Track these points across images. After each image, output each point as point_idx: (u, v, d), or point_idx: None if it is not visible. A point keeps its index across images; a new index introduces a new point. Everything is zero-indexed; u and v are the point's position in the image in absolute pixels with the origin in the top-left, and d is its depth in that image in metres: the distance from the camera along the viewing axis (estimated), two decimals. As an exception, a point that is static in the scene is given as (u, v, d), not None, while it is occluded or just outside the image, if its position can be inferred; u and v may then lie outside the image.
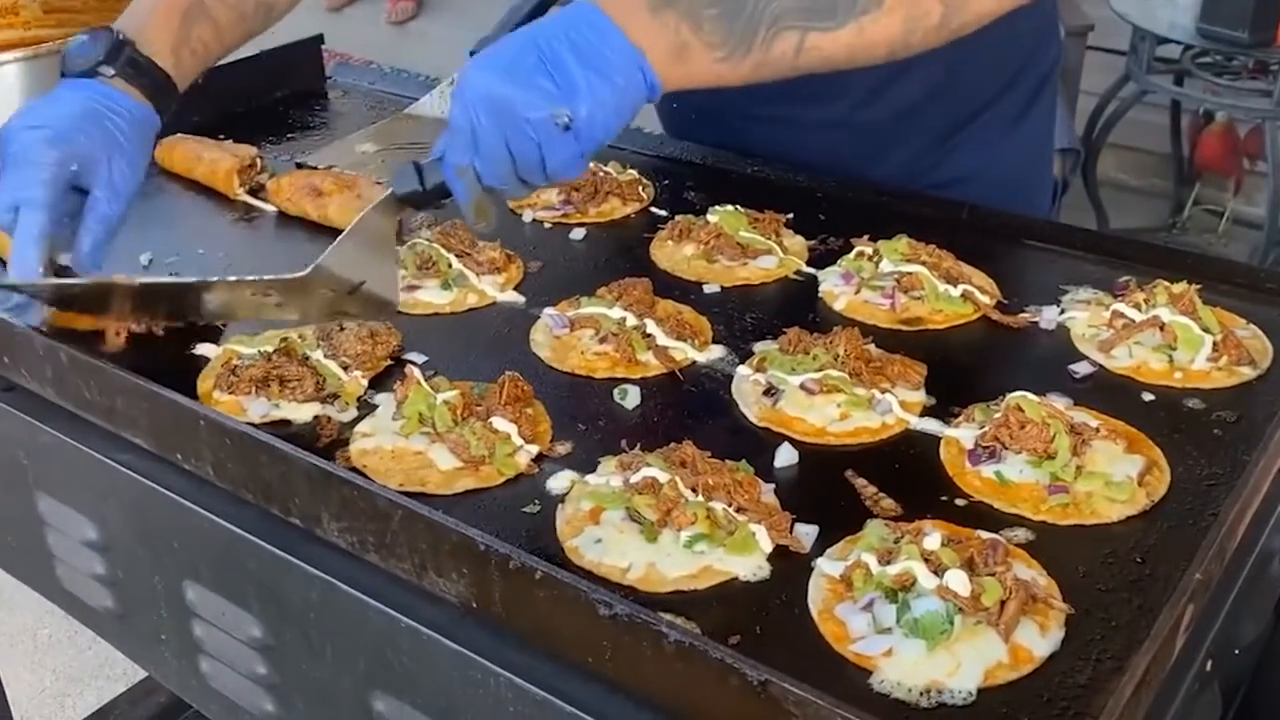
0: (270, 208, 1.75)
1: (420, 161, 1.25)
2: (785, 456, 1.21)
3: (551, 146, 1.18)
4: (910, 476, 1.18)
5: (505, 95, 1.16)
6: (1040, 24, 1.78)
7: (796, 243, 1.60)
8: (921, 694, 0.94)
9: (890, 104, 1.68)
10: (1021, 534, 1.10)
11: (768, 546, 1.07)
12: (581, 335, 1.39)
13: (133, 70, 1.45)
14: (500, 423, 1.21)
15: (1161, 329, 1.33)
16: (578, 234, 1.67)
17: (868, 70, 1.27)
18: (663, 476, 1.10)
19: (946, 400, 1.27)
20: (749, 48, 1.21)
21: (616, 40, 1.18)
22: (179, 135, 1.91)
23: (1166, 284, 1.37)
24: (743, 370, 1.33)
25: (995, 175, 1.75)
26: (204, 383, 1.33)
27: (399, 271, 1.42)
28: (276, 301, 1.34)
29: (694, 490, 1.10)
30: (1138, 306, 1.36)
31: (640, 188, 1.75)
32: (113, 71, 1.44)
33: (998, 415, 1.19)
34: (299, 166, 1.87)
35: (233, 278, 1.34)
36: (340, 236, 1.28)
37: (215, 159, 1.81)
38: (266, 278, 1.29)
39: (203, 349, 1.40)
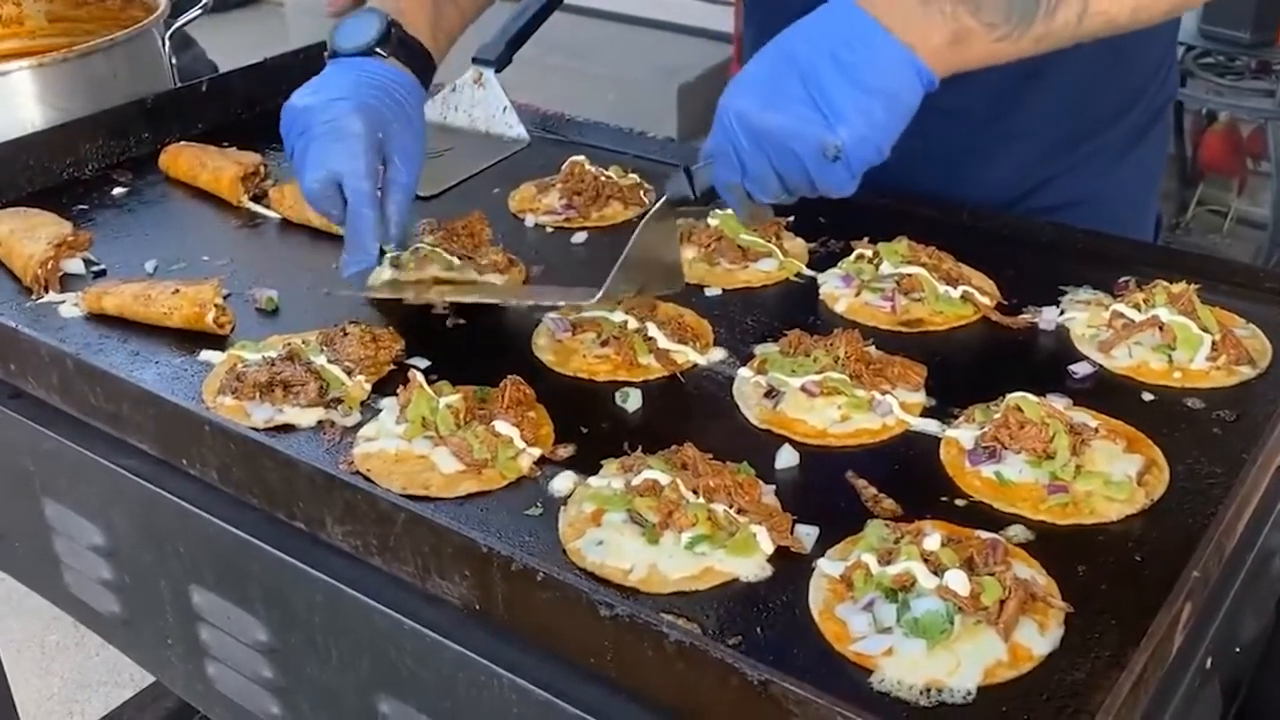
0: (274, 215, 1.76)
1: (691, 166, 1.26)
2: (786, 458, 1.21)
3: (820, 173, 1.12)
4: (910, 477, 1.18)
5: (767, 125, 1.12)
6: (1162, 51, 1.75)
7: (797, 245, 1.61)
8: (921, 693, 0.94)
9: (1019, 105, 1.64)
10: (1021, 533, 1.10)
11: (769, 547, 1.08)
12: (583, 339, 1.39)
13: (403, 50, 1.50)
14: (503, 426, 1.22)
15: (1160, 329, 1.33)
16: (579, 238, 1.68)
17: (1010, 67, 1.19)
18: (664, 479, 1.11)
19: (946, 401, 1.28)
20: (1030, 21, 1.13)
21: (886, 47, 1.09)
22: (183, 142, 1.93)
23: (1165, 284, 1.37)
24: (744, 372, 1.34)
25: (1103, 204, 1.69)
26: (208, 388, 1.34)
27: (682, 256, 1.49)
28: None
29: (695, 492, 1.11)
30: (1137, 307, 1.36)
31: (642, 192, 1.76)
32: (388, 51, 1.48)
33: (997, 416, 1.20)
34: (302, 173, 1.88)
35: (530, 302, 1.46)
36: (621, 258, 1.31)
37: (219, 166, 1.82)
38: (561, 303, 1.40)
39: (207, 355, 1.41)
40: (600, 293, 1.32)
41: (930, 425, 1.25)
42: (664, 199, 1.30)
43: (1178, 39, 2.40)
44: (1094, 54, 1.59)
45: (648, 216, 1.33)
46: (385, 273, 1.55)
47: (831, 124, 1.09)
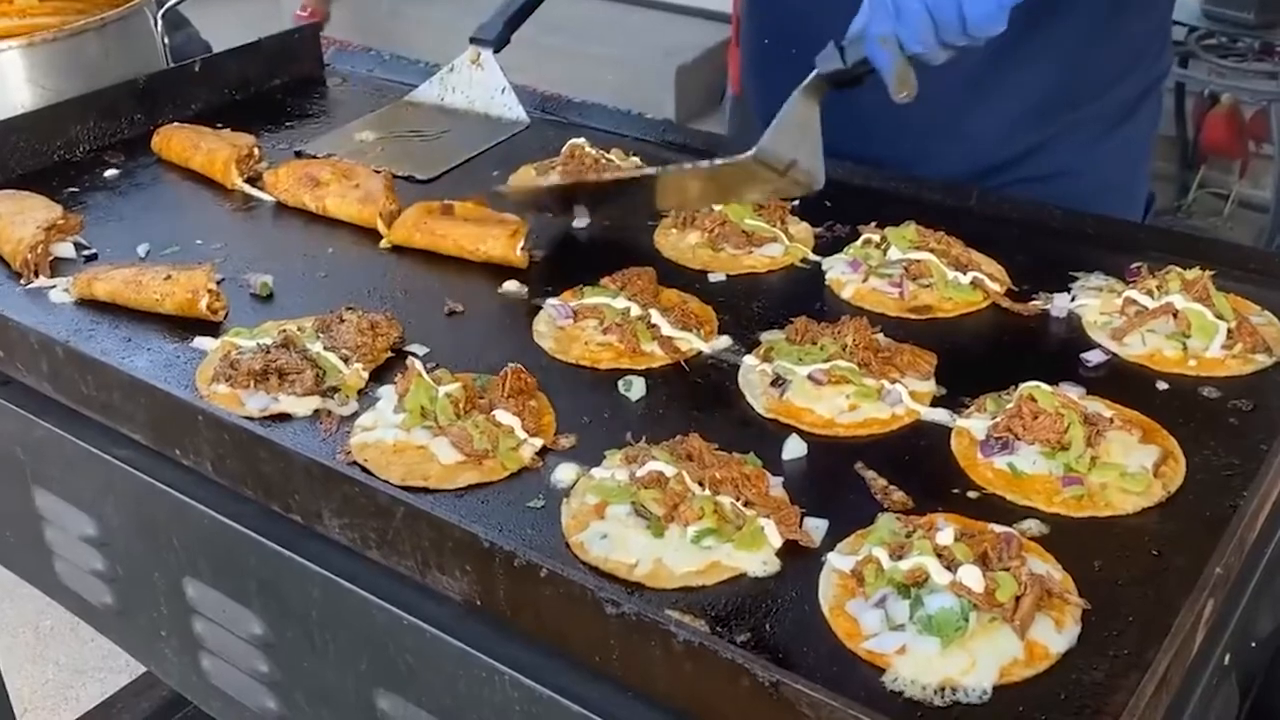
0: (268, 198, 1.73)
1: (841, 41, 1.31)
2: (793, 448, 1.19)
3: (973, 5, 1.23)
4: (921, 469, 1.16)
5: None
6: (1157, 24, 1.77)
7: (802, 230, 1.58)
8: (936, 692, 0.92)
9: (1014, 58, 1.64)
10: (1035, 527, 1.08)
11: (777, 541, 1.06)
12: (585, 326, 1.37)
13: None
14: (503, 415, 1.20)
15: (1175, 316, 1.31)
16: (581, 222, 1.65)
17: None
18: (669, 470, 1.08)
19: (957, 390, 1.25)
20: None
21: None
22: (176, 124, 1.89)
23: (1179, 270, 1.34)
24: (749, 360, 1.31)
25: (1092, 177, 1.71)
26: (202, 376, 1.31)
27: (820, 150, 1.48)
28: (719, 187, 1.48)
29: (701, 484, 1.08)
30: (1150, 293, 1.34)
31: (643, 175, 1.73)
32: None
33: (1010, 405, 1.17)
34: (298, 155, 1.85)
35: (688, 165, 1.49)
36: (775, 120, 1.37)
37: (212, 148, 1.79)
38: (718, 162, 1.42)
39: (200, 342, 1.38)
40: (754, 150, 1.36)
41: (941, 415, 1.22)
42: (814, 73, 1.33)
43: (1173, 16, 2.40)
44: (1090, 18, 1.60)
45: (797, 91, 1.35)
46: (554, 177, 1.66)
47: None
